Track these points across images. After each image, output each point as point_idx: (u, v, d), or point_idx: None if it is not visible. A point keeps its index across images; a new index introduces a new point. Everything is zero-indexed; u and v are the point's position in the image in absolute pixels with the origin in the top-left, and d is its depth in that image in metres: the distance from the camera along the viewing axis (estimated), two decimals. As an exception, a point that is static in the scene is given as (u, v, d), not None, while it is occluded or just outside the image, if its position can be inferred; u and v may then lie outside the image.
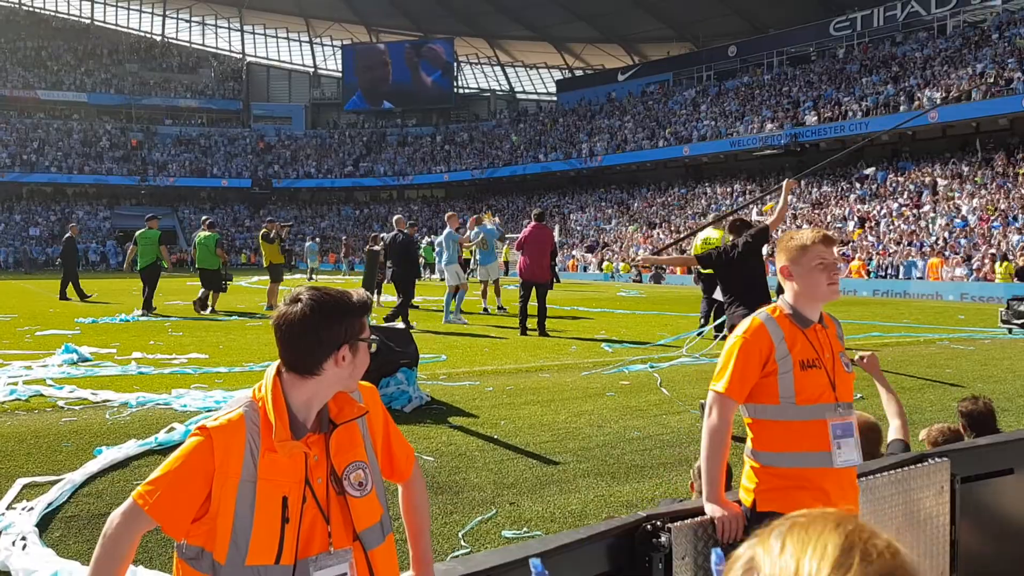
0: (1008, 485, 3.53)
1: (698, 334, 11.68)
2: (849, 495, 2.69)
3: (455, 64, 71.56)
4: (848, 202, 36.41)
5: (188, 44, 77.07)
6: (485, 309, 17.44)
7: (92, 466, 5.38)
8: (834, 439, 2.66)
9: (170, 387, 8.17)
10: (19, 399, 7.58)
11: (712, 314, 11.53)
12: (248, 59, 76.96)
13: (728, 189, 44.16)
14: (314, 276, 33.08)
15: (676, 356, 10.61)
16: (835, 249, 2.78)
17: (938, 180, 34.25)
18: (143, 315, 16.32)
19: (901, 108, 37.14)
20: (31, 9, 73.47)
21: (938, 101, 35.63)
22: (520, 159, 57.96)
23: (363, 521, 1.92)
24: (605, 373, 9.40)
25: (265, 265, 18.33)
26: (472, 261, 18.47)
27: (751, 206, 34.89)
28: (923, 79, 38.34)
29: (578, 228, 48.94)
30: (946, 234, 29.32)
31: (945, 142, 37.73)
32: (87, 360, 9.90)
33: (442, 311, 15.47)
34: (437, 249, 16.93)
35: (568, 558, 2.40)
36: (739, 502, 2.76)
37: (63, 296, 21.15)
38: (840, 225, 33.93)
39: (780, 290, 3.00)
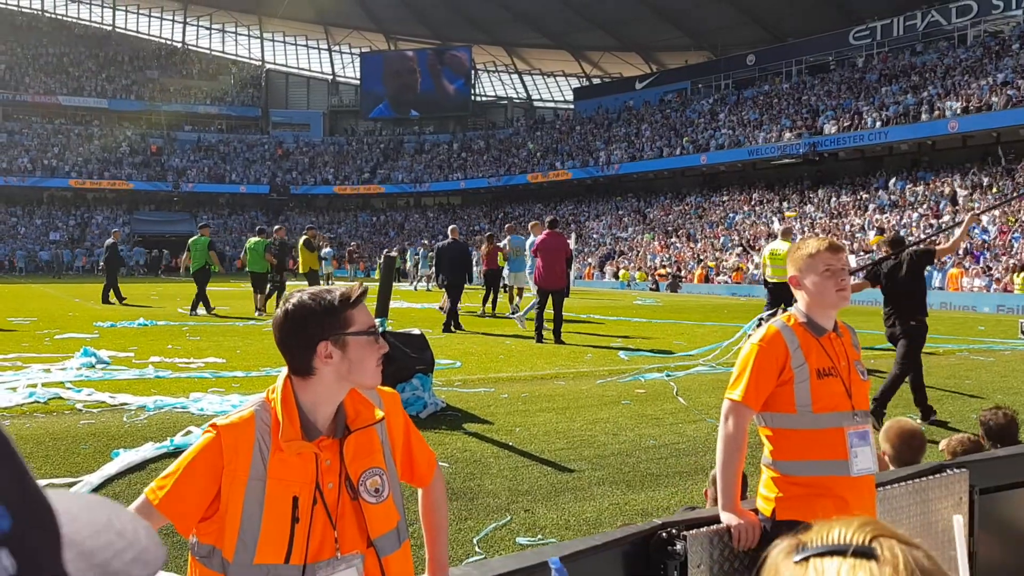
0: (1028, 497, 3.49)
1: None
2: (867, 503, 2.68)
3: (473, 72, 71.77)
4: (867, 212, 36.21)
5: (208, 51, 77.65)
6: (513, 311, 18.31)
7: (109, 468, 5.42)
8: (851, 447, 2.66)
9: (187, 391, 8.22)
10: (38, 402, 7.64)
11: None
12: (267, 66, 77.51)
13: (746, 198, 44.02)
14: (331, 282, 33.19)
15: (693, 364, 10.57)
16: (843, 256, 2.79)
17: (958, 190, 34.01)
18: (192, 313, 18.16)
19: (923, 118, 36.96)
20: (54, 16, 74.23)
21: (958, 111, 35.44)
22: (537, 166, 58.01)
23: (378, 528, 1.92)
24: (621, 381, 9.38)
25: (304, 272, 18.87)
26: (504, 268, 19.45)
27: (774, 216, 34.65)
28: (943, 89, 38.11)
29: (594, 236, 48.89)
30: (966, 245, 29.11)
31: (965, 152, 37.48)
32: (105, 364, 9.97)
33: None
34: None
35: (583, 565, 2.40)
36: (756, 511, 2.75)
37: (105, 300, 21.50)
38: (860, 235, 33.72)
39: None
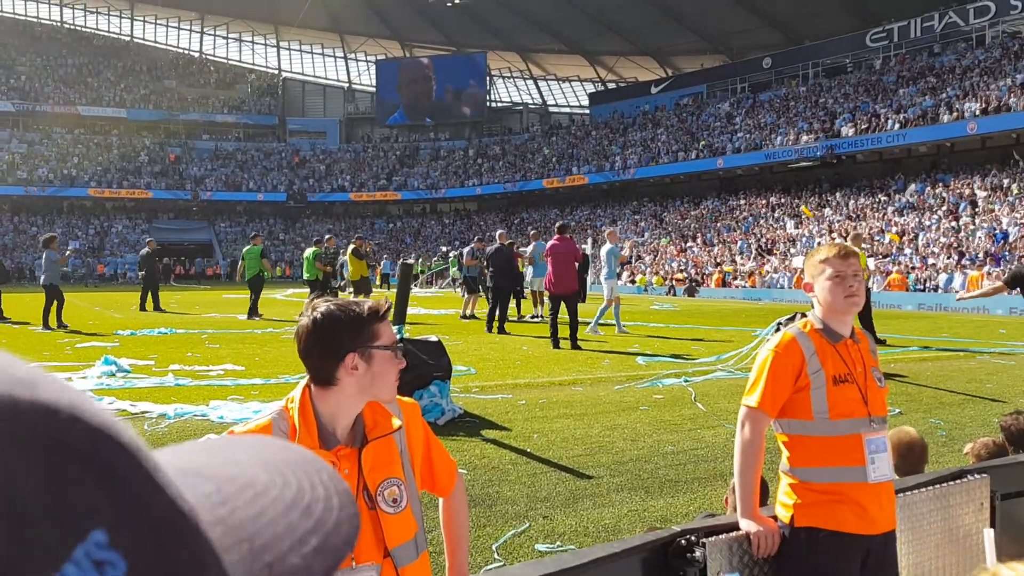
0: (1050, 503, 3.46)
1: None
2: (887, 510, 2.68)
3: (488, 78, 71.91)
4: (886, 215, 35.98)
5: (225, 60, 78.27)
6: (540, 315, 18.67)
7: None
8: (868, 454, 2.66)
9: (207, 398, 8.27)
10: (60, 410, 7.70)
11: None
12: (284, 75, 78.04)
13: (763, 201, 43.83)
14: (349, 288, 33.33)
15: (711, 370, 10.54)
16: (853, 262, 2.80)
17: (977, 192, 33.75)
18: (249, 319, 19.11)
19: (942, 119, 36.71)
20: (73, 28, 75.05)
21: (977, 112, 35.17)
22: (552, 171, 57.96)
23: (396, 538, 1.92)
24: (639, 387, 9.36)
25: (355, 279, 19.34)
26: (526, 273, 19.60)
27: (788, 221, 34.52)
28: (961, 90, 37.85)
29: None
30: (988, 246, 28.85)
31: (985, 154, 37.19)
32: (126, 372, 10.05)
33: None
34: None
35: (602, 572, 2.40)
36: (775, 518, 2.75)
37: (143, 308, 21.92)
38: (879, 238, 33.50)
39: None
